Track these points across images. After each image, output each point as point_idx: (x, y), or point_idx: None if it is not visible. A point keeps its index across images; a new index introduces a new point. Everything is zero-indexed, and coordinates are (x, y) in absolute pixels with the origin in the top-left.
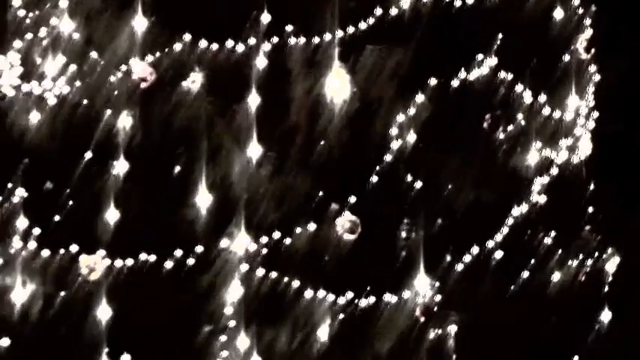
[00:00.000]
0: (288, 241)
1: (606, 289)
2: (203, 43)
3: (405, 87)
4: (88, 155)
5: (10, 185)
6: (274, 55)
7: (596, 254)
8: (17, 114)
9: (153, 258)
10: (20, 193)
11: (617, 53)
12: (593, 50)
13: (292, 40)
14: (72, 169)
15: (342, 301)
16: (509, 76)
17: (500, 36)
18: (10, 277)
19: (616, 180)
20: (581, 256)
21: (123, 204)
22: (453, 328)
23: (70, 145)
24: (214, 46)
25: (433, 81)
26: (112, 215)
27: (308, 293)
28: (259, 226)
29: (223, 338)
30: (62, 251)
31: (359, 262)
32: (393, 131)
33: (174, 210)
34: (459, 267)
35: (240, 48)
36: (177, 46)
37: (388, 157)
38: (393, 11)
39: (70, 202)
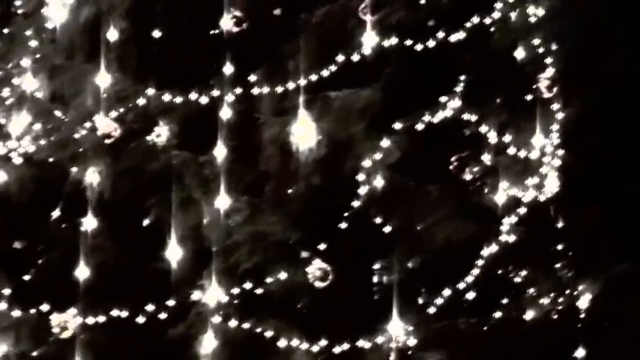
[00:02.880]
0: (259, 290)
1: (580, 325)
2: (167, 97)
3: (370, 132)
4: (57, 213)
5: None
6: (239, 105)
7: (569, 291)
8: None
9: (125, 314)
10: None
11: (580, 90)
12: (555, 89)
13: (256, 90)
14: (41, 227)
15: (316, 348)
16: (474, 117)
17: (462, 77)
18: None
19: (584, 216)
20: (553, 294)
21: (93, 260)
22: None
23: (37, 204)
24: (179, 99)
25: (398, 125)
26: (82, 272)
27: (282, 342)
28: (231, 277)
29: None
30: (33, 310)
31: (332, 309)
32: (361, 177)
33: (145, 264)
34: (432, 309)
35: (205, 100)
36: (142, 101)
37: (356, 203)
38: (355, 57)
39: (40, 261)
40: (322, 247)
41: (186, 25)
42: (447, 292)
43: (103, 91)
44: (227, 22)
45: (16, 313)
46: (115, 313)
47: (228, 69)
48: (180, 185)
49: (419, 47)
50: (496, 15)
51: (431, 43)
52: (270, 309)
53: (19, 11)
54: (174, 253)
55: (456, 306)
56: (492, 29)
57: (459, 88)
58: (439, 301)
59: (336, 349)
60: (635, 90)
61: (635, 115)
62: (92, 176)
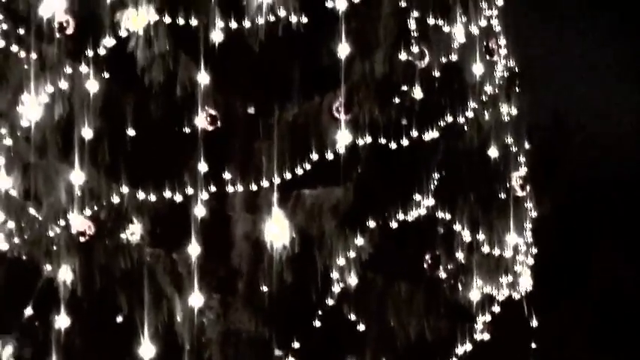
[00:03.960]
0: None
1: None
2: (141, 194)
3: (344, 230)
4: (29, 311)
5: None
6: (213, 203)
7: None
8: None
9: None
10: None
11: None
12: (528, 187)
13: (230, 188)
14: (12, 325)
15: None
16: (447, 216)
17: (436, 176)
18: None
19: (558, 314)
20: None
21: (65, 358)
22: None
23: (10, 301)
24: (152, 197)
25: (372, 223)
26: None
27: None
28: None
29: None
30: None
31: None
32: (334, 274)
33: None
34: None
35: (179, 197)
36: (116, 199)
37: (330, 301)
38: (329, 155)
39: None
40: (296, 344)
41: (160, 123)
42: None
43: (76, 188)
44: (201, 121)
45: None
46: None
47: (202, 167)
48: (153, 282)
49: (392, 145)
50: (469, 114)
51: (404, 142)
52: None
53: None
54: (147, 350)
55: None
56: (465, 128)
57: (432, 187)
58: None
59: None
60: (608, 189)
61: (607, 213)
62: (65, 273)
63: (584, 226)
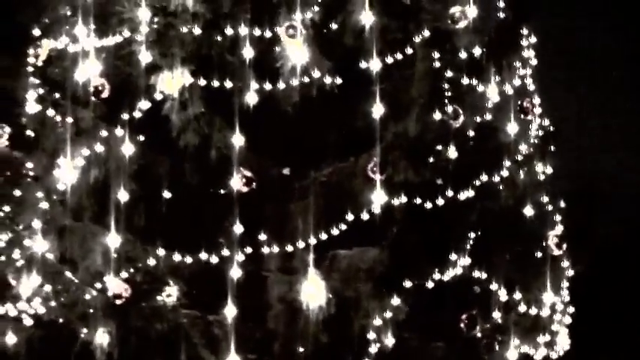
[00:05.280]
0: None
1: None
2: (177, 256)
3: (380, 290)
4: None
5: None
6: (249, 264)
7: None
8: None
9: None
10: None
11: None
12: (564, 246)
13: (266, 249)
14: None
15: None
16: (484, 275)
17: (472, 235)
18: None
19: None
20: None
21: None
22: None
23: None
24: (188, 259)
25: (408, 283)
26: None
27: None
28: None
29: None
30: None
31: None
32: (371, 335)
33: None
34: None
35: (215, 259)
36: (152, 261)
37: None
38: (364, 215)
39: None
40: None
41: (195, 185)
42: None
43: (112, 251)
44: (236, 182)
45: None
46: None
47: (237, 228)
48: (190, 345)
49: (428, 205)
50: (504, 173)
51: (440, 201)
52: None
53: (30, 174)
54: None
55: None
56: (501, 187)
57: (468, 246)
58: None
59: None
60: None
61: None
62: (102, 337)
63: (622, 283)
